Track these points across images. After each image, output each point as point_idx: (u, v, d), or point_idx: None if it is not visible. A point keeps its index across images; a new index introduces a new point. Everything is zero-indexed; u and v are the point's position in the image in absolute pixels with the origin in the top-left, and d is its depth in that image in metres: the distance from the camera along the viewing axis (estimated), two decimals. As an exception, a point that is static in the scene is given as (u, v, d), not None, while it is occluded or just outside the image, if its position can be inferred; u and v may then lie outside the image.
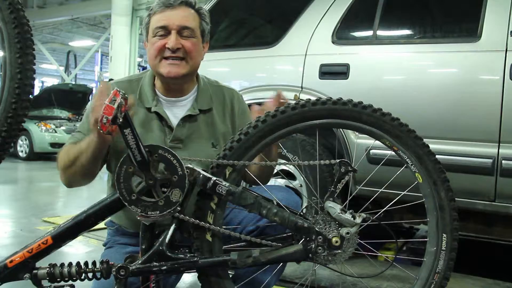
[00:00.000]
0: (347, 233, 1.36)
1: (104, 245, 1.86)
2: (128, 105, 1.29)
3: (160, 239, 1.36)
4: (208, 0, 3.49)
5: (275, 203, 1.39)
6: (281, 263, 1.58)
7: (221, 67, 3.28)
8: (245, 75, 3.22)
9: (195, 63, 1.70)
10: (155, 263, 1.35)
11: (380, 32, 2.85)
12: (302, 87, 2.89)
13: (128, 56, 13.98)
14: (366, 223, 1.39)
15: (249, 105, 1.85)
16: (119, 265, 1.34)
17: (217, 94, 1.81)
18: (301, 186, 2.87)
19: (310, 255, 1.37)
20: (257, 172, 1.65)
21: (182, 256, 1.37)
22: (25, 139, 10.21)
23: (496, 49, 2.43)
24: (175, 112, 1.73)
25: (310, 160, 1.51)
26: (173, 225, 1.37)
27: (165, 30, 1.63)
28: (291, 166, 2.86)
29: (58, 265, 1.35)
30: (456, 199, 1.49)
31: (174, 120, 1.71)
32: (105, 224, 1.79)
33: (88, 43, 21.01)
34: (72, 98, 12.01)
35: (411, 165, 1.45)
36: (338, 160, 1.40)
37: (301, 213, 1.41)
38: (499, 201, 2.42)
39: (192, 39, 1.66)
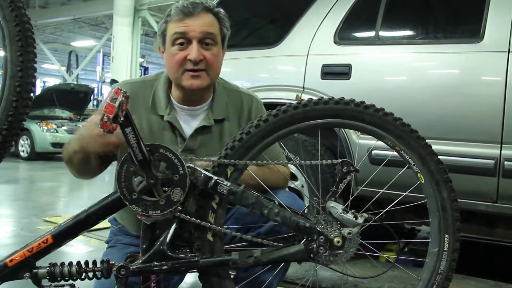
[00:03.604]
0: (349, 233, 1.35)
1: (107, 242, 1.86)
2: None
3: (161, 239, 1.36)
4: (211, 0, 3.49)
5: (277, 203, 1.39)
6: (284, 264, 1.57)
7: (224, 67, 3.24)
8: (247, 75, 3.22)
9: (216, 74, 1.67)
10: (155, 263, 1.34)
11: (382, 33, 2.85)
12: (304, 87, 2.89)
13: (130, 56, 14.01)
14: (368, 224, 1.38)
15: None
16: (119, 265, 1.33)
17: (234, 101, 1.76)
18: (302, 186, 2.87)
19: (311, 255, 1.36)
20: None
21: (183, 256, 1.36)
22: (27, 139, 10.24)
23: (498, 50, 2.43)
24: (189, 121, 1.69)
25: (312, 160, 1.50)
26: (174, 224, 1.37)
27: (185, 38, 1.57)
28: (293, 166, 2.86)
29: (59, 264, 1.34)
30: (458, 200, 1.48)
31: (187, 130, 1.68)
32: (108, 221, 1.78)
33: (90, 43, 21.05)
34: (73, 98, 12.03)
35: (414, 165, 1.45)
36: (340, 160, 1.39)
37: (303, 213, 1.40)
38: (501, 202, 2.41)
39: (213, 48, 1.61)
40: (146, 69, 18.13)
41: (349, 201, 1.44)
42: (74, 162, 1.56)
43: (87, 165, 1.57)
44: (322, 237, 1.35)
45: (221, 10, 1.66)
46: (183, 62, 1.58)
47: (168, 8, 1.63)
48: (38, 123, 10.36)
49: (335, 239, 1.34)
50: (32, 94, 1.45)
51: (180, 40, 1.58)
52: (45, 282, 1.35)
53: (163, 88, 1.69)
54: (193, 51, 1.56)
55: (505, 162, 2.36)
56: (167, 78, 1.70)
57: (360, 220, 1.35)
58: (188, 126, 1.69)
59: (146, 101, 1.68)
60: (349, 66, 2.77)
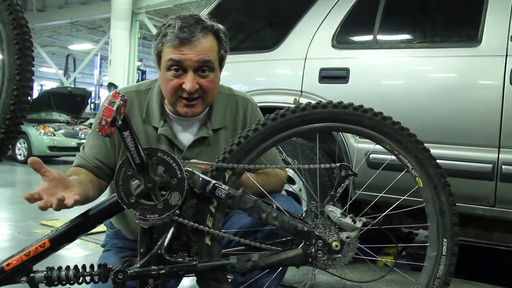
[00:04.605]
0: (347, 237, 1.34)
1: (103, 246, 1.85)
2: None
3: (158, 243, 1.35)
4: (208, 3, 3.50)
5: (275, 207, 1.38)
6: (281, 268, 1.57)
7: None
8: (245, 79, 3.21)
9: (213, 98, 1.63)
10: (153, 267, 1.34)
11: (380, 37, 2.85)
12: (301, 91, 2.88)
13: (127, 59, 14.04)
14: (366, 228, 1.38)
15: None
16: (117, 269, 1.32)
17: (230, 106, 1.72)
18: (300, 190, 2.86)
19: (310, 259, 1.36)
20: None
21: (180, 260, 1.36)
22: (24, 142, 10.22)
23: (496, 54, 2.43)
24: (185, 130, 1.66)
25: (310, 164, 1.50)
26: (172, 228, 1.37)
27: (180, 67, 1.52)
28: (291, 170, 2.85)
29: (56, 268, 1.33)
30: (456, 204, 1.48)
31: (183, 140, 1.65)
32: (104, 225, 1.77)
33: (88, 47, 21.07)
34: (71, 102, 12.01)
35: (412, 169, 1.44)
36: (338, 164, 1.39)
37: (301, 217, 1.40)
38: (499, 206, 2.41)
39: (210, 74, 1.55)
40: (143, 72, 18.10)
41: (347, 205, 1.44)
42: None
43: (87, 198, 1.48)
44: (320, 241, 1.35)
45: (221, 28, 1.59)
46: (178, 89, 1.54)
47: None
48: (36, 126, 10.34)
49: (334, 243, 1.34)
50: (29, 98, 1.45)
51: (175, 67, 1.52)
52: (42, 286, 1.34)
53: (156, 98, 1.66)
54: (188, 80, 1.52)
55: (503, 166, 2.36)
56: (160, 87, 1.64)
57: (358, 224, 1.35)
58: (184, 135, 1.66)
59: (141, 110, 1.65)
60: (347, 70, 2.77)
